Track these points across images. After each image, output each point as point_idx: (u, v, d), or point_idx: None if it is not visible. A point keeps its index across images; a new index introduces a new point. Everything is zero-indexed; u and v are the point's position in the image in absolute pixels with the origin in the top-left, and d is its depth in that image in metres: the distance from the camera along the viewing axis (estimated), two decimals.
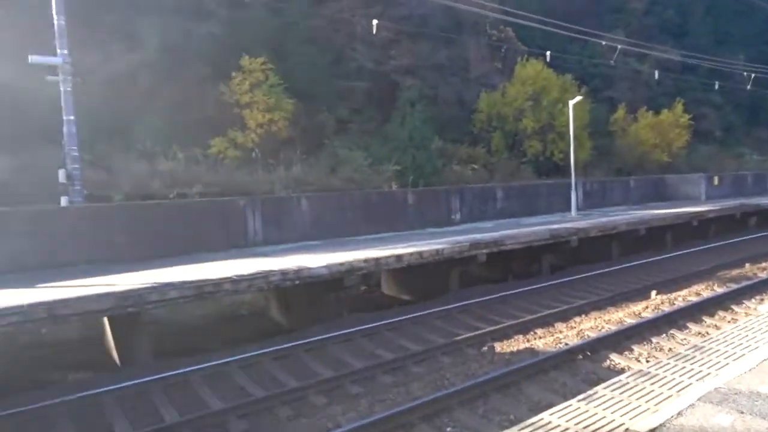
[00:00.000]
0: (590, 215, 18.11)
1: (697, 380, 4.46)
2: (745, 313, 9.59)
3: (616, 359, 7.56)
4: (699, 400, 4.02)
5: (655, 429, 3.66)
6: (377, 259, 10.39)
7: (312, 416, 6.32)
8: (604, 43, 24.53)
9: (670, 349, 7.88)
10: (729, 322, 9.14)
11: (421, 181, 18.80)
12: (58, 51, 12.06)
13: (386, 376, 7.46)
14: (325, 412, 6.39)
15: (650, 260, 14.99)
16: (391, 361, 7.88)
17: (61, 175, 11.93)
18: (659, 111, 29.54)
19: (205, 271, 9.22)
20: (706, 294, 10.84)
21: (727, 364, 4.77)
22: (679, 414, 3.83)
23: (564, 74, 25.39)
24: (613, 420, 3.87)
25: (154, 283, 8.23)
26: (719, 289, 11.17)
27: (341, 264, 9.82)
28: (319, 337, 8.94)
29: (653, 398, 4.19)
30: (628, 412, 3.97)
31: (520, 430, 3.78)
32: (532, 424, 3.88)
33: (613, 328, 8.89)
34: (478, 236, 12.95)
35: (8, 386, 7.55)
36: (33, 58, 11.73)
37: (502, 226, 15.37)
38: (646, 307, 10.12)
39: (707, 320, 9.24)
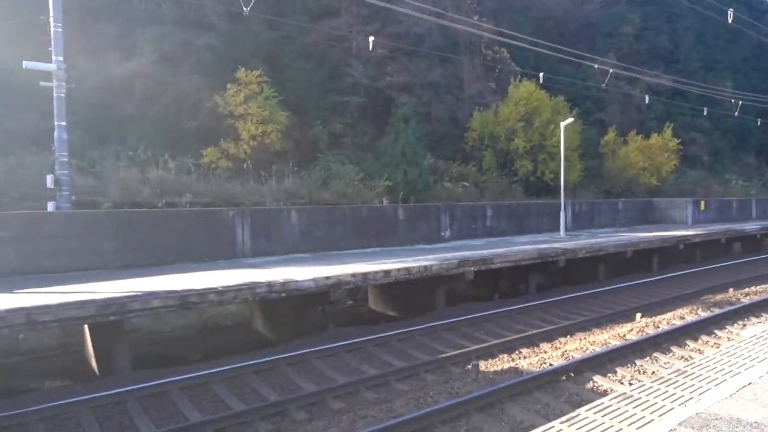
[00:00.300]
0: (579, 236, 18.22)
1: (679, 405, 4.45)
2: (728, 338, 9.64)
3: (599, 381, 7.54)
4: (680, 424, 4.01)
5: None
6: (365, 274, 10.35)
7: (292, 431, 6.23)
8: (596, 66, 24.91)
9: (653, 372, 7.88)
10: (712, 346, 9.17)
11: (412, 197, 18.85)
12: (53, 57, 12.05)
13: (369, 392, 7.39)
14: (305, 427, 6.31)
15: (636, 283, 15.06)
16: (374, 377, 7.81)
17: (49, 180, 11.83)
18: (649, 135, 29.95)
19: (191, 281, 9.14)
20: (690, 318, 10.89)
21: (709, 389, 4.77)
22: None
23: (556, 96, 25.72)
24: None
25: (138, 291, 8.14)
26: (703, 314, 11.23)
27: (328, 278, 9.77)
28: (303, 351, 8.86)
29: (635, 422, 4.18)
30: None
31: None
32: None
33: (598, 349, 8.88)
34: (466, 254, 12.96)
35: None
36: (27, 64, 11.70)
37: (491, 245, 15.41)
38: (631, 330, 10.14)
39: (690, 344, 9.26)
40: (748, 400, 4.46)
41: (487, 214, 18.33)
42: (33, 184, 12.98)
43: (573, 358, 8.45)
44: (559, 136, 19.26)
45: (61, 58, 12.11)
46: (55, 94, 12.12)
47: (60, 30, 12.10)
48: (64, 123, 12.17)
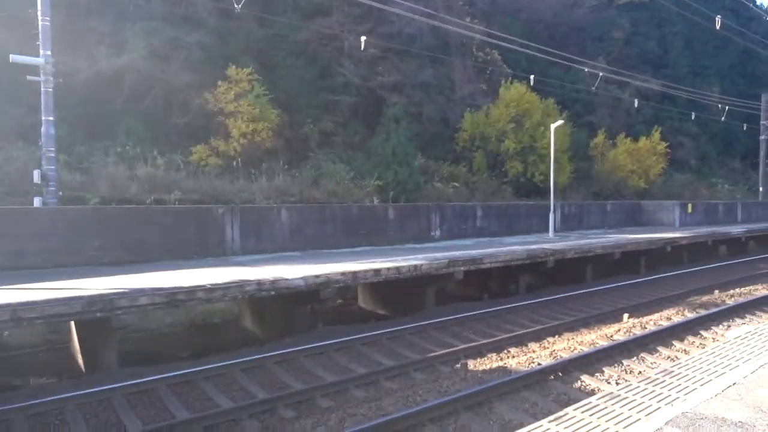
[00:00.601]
0: (567, 237, 18.35)
1: (665, 404, 4.50)
2: (713, 338, 9.76)
3: (587, 380, 7.60)
4: (667, 424, 4.05)
5: None
6: (355, 273, 10.34)
7: (280, 430, 6.21)
8: (586, 69, 25.10)
9: (640, 372, 7.96)
10: (698, 347, 9.28)
11: (402, 196, 18.88)
12: (41, 51, 11.92)
13: (358, 390, 7.38)
14: (293, 425, 6.28)
15: (624, 284, 15.20)
16: (363, 375, 7.81)
17: (36, 175, 11.70)
18: (637, 138, 30.27)
19: (179, 278, 9.07)
20: (677, 319, 11.01)
21: (695, 389, 4.83)
22: None
23: (546, 98, 25.91)
24: None
25: (125, 288, 8.06)
26: (689, 315, 11.36)
27: (318, 276, 9.75)
28: (292, 349, 8.83)
29: (622, 421, 4.21)
30: None
31: None
32: None
33: (586, 349, 8.95)
34: (456, 253, 13.00)
35: None
36: (14, 58, 11.55)
37: (481, 245, 15.47)
38: (618, 330, 10.24)
39: (677, 345, 9.37)
40: (732, 400, 4.51)
41: (477, 215, 18.40)
42: (19, 179, 12.83)
43: (561, 357, 8.51)
44: (549, 138, 19.39)
45: (48, 52, 11.99)
46: (42, 89, 11.99)
47: (48, 24, 11.97)
48: (51, 118, 12.05)
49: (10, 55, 11.51)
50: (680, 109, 34.34)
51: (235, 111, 18.35)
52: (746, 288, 14.74)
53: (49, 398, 6.78)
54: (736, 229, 23.13)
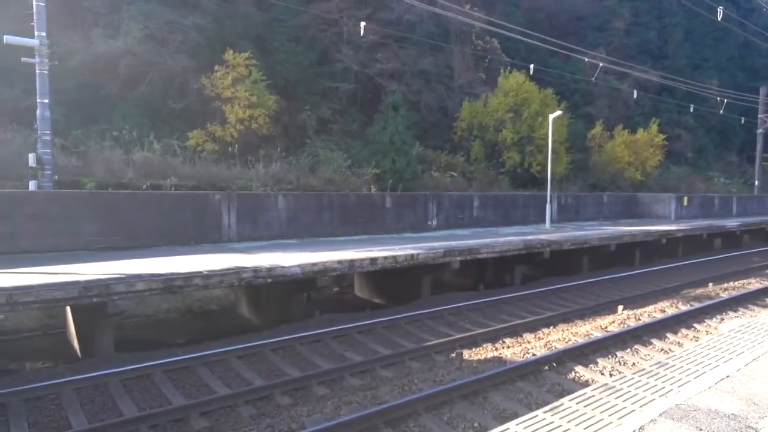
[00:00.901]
0: (564, 228, 18.40)
1: (659, 396, 4.54)
2: (707, 331, 9.84)
3: (581, 371, 7.66)
4: (661, 415, 4.09)
5: None
6: (351, 261, 10.34)
7: (276, 416, 6.24)
8: (587, 59, 24.98)
9: (633, 364, 8.03)
10: (691, 339, 9.36)
11: (399, 185, 18.84)
12: (36, 33, 11.75)
13: (354, 378, 7.42)
14: (289, 412, 6.31)
15: (619, 275, 15.28)
16: (359, 363, 7.85)
17: (31, 159, 11.60)
18: (635, 130, 30.24)
19: (176, 264, 9.05)
20: (671, 311, 11.09)
21: (689, 381, 4.87)
22: (641, 429, 3.89)
23: (545, 88, 25.80)
24: None
25: (121, 274, 8.04)
26: (683, 307, 11.44)
27: (315, 264, 9.75)
28: (288, 337, 8.86)
29: (617, 412, 4.25)
30: (591, 425, 4.02)
31: None
32: None
33: (580, 340, 9.01)
34: (453, 243, 13.02)
35: None
36: (8, 39, 11.38)
37: (477, 235, 15.49)
38: (613, 322, 10.30)
39: (670, 337, 9.44)
40: (726, 392, 4.56)
41: (474, 205, 18.41)
42: (14, 163, 12.73)
43: (556, 348, 8.57)
44: (547, 129, 19.35)
45: (44, 34, 11.82)
46: (37, 71, 11.85)
47: (42, 4, 11.80)
48: (46, 100, 11.92)
49: (5, 36, 11.34)
50: (678, 101, 34.30)
51: (232, 96, 18.21)
52: (740, 281, 14.84)
53: (45, 383, 6.80)
54: (731, 223, 23.24)
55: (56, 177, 12.21)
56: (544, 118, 22.73)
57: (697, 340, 9.14)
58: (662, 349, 8.79)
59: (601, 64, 24.52)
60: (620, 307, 11.37)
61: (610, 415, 4.18)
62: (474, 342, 9.04)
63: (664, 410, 4.18)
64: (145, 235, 11.41)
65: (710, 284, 14.18)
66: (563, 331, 9.83)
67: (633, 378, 4.99)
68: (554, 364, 7.80)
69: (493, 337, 9.33)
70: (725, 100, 30.86)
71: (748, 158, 43.47)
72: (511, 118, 23.48)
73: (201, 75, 18.62)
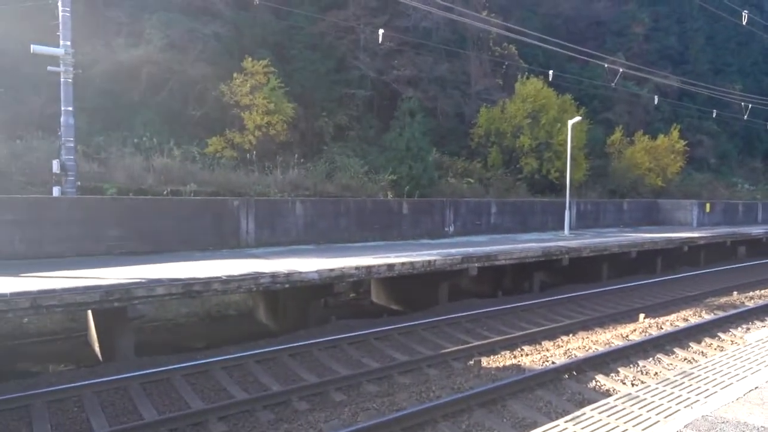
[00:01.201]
0: (583, 235, 18.17)
1: (684, 407, 4.43)
2: (732, 341, 9.61)
3: (602, 380, 7.52)
4: (686, 427, 3.99)
5: None
6: (369, 267, 10.33)
7: (293, 422, 6.23)
8: (606, 65, 24.73)
9: (656, 374, 7.87)
10: (715, 349, 9.14)
11: (416, 191, 18.80)
12: (61, 42, 12.02)
13: (371, 385, 7.39)
14: (307, 418, 6.31)
15: (640, 283, 15.02)
16: (376, 370, 7.81)
17: (55, 165, 11.84)
18: (655, 136, 29.79)
19: (195, 269, 9.14)
20: (694, 320, 10.86)
21: (715, 392, 4.75)
22: None
23: (563, 94, 25.58)
24: None
25: (142, 278, 8.14)
26: (707, 316, 11.19)
27: (332, 270, 9.76)
28: (305, 342, 8.86)
29: (641, 423, 4.16)
30: None
31: None
32: None
33: (601, 349, 8.87)
34: (470, 249, 12.94)
35: None
36: (35, 48, 11.66)
37: (495, 241, 15.38)
38: (634, 330, 10.12)
39: (694, 346, 9.24)
40: (755, 404, 4.43)
41: (491, 211, 18.29)
42: (39, 169, 13.00)
43: (575, 356, 8.43)
44: (566, 135, 19.18)
45: (68, 43, 12.08)
46: (62, 79, 12.10)
47: (68, 14, 12.06)
48: (70, 108, 12.16)
49: (32, 46, 11.62)
50: (700, 106, 33.72)
51: (250, 103, 18.39)
52: (767, 290, 14.48)
53: (67, 385, 6.89)
54: (757, 230, 22.73)
55: (79, 183, 12.44)
56: (562, 124, 22.53)
57: (722, 350, 8.93)
58: (686, 359, 8.60)
59: (620, 70, 24.25)
60: (641, 316, 11.17)
61: (634, 426, 4.10)
62: (492, 349, 8.96)
63: (689, 421, 4.08)
64: (165, 241, 11.55)
65: (735, 293, 13.86)
66: (583, 339, 9.69)
67: (657, 388, 4.88)
68: (574, 373, 7.68)
69: (512, 345, 9.23)
70: (749, 105, 30.26)
71: None
72: (528, 124, 23.31)
73: (220, 82, 18.85)
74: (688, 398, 4.63)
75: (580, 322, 10.70)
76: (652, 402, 4.56)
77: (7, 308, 6.86)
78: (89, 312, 9.37)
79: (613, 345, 9.08)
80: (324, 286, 9.85)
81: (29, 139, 14.34)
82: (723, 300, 13.11)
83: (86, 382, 6.99)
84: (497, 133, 23.68)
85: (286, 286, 9.25)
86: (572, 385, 7.34)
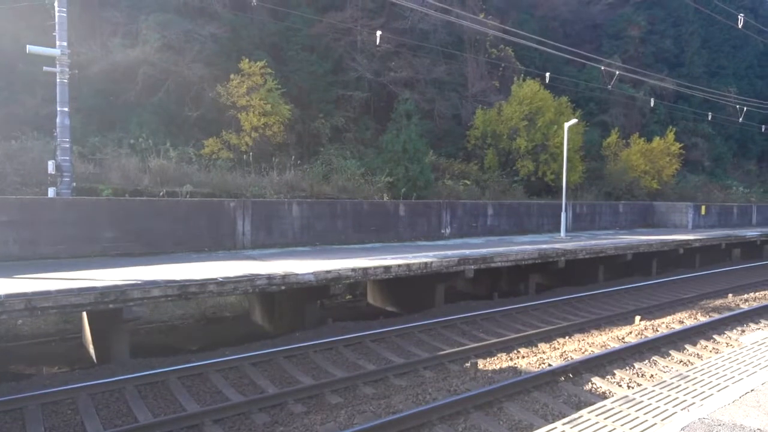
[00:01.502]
0: (579, 237, 18.21)
1: (681, 409, 4.43)
2: (727, 343, 9.64)
3: (598, 383, 7.53)
4: (683, 429, 3.99)
5: None
6: (365, 269, 10.32)
7: (289, 424, 6.21)
8: (602, 68, 24.82)
9: (652, 376, 7.88)
10: (711, 351, 9.17)
11: (413, 193, 18.81)
12: (57, 42, 11.96)
13: (367, 387, 7.37)
14: (302, 420, 6.28)
15: (636, 285, 15.05)
16: (372, 372, 7.80)
17: (51, 166, 11.77)
18: (651, 138, 29.91)
19: (191, 271, 9.10)
20: (689, 322, 10.88)
21: (711, 394, 4.76)
22: None
23: (560, 96, 25.66)
24: None
25: (137, 280, 8.10)
26: (702, 318, 11.22)
27: (329, 272, 9.74)
28: (301, 344, 8.83)
29: (637, 425, 4.16)
30: None
31: None
32: None
33: (597, 351, 8.87)
34: (467, 252, 12.94)
35: None
36: (31, 48, 11.60)
37: (491, 243, 15.39)
38: (630, 332, 10.13)
39: (689, 349, 9.26)
40: (751, 406, 4.44)
41: (488, 213, 18.31)
42: (34, 169, 12.94)
43: (572, 359, 8.44)
44: (562, 137, 19.23)
45: (65, 44, 12.03)
46: (58, 80, 12.05)
47: (64, 15, 12.01)
48: (66, 109, 12.11)
49: (28, 46, 11.56)
50: (695, 109, 33.89)
51: (247, 105, 18.37)
52: (761, 292, 14.54)
53: (61, 388, 6.84)
54: (751, 233, 22.83)
55: (74, 184, 12.38)
56: (558, 127, 22.60)
57: (718, 353, 8.97)
58: (682, 361, 8.62)
59: (617, 72, 24.34)
60: (637, 318, 11.19)
61: (631, 429, 4.10)
62: (488, 351, 8.95)
63: (686, 424, 4.08)
64: (161, 242, 11.50)
65: (730, 295, 13.91)
66: (579, 341, 9.70)
67: (653, 390, 4.88)
68: (570, 375, 7.68)
69: (508, 347, 9.22)
70: (744, 108, 30.42)
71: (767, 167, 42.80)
72: (525, 127, 23.37)
73: (217, 83, 18.82)
74: (685, 401, 4.63)
75: (576, 324, 10.71)
76: (649, 404, 4.56)
77: (1, 310, 6.80)
78: (84, 314, 9.32)
79: (609, 347, 9.09)
80: (320, 288, 9.82)
81: (24, 140, 14.27)
82: (718, 302, 13.15)
83: (81, 385, 6.94)
84: (494, 135, 23.72)
85: (282, 287, 9.22)
86: (568, 388, 7.34)
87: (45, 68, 12.04)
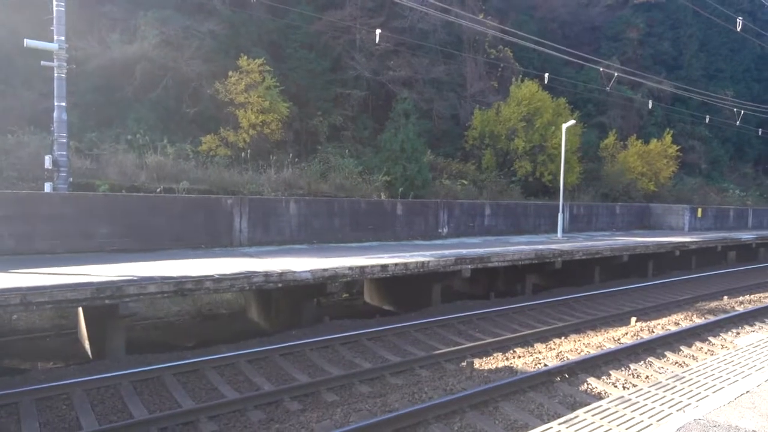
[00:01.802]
0: (575, 238, 18.25)
1: (677, 410, 4.44)
2: (722, 345, 9.67)
3: (593, 383, 7.54)
4: (678, 430, 4.00)
5: None
6: (362, 268, 10.31)
7: (285, 422, 6.20)
8: (600, 69, 24.87)
9: (647, 377, 7.90)
10: (706, 353, 9.20)
11: (410, 192, 18.81)
12: (55, 37, 11.90)
13: (363, 385, 7.37)
14: (298, 418, 6.27)
15: (632, 287, 15.10)
16: (369, 370, 7.79)
17: (47, 161, 11.73)
18: (648, 140, 30.00)
19: (187, 267, 9.08)
20: (685, 324, 10.91)
21: (707, 396, 4.77)
22: None
23: (558, 97, 25.69)
24: None
25: (134, 276, 8.08)
26: (698, 320, 11.26)
27: (325, 270, 9.73)
28: (298, 342, 8.83)
29: (633, 426, 4.17)
30: None
31: None
32: None
33: (593, 352, 8.89)
34: (464, 251, 12.95)
35: None
36: (29, 42, 11.55)
37: (488, 243, 15.41)
38: (626, 333, 10.16)
39: (685, 350, 9.28)
40: (746, 408, 4.46)
41: (485, 213, 18.32)
42: (31, 164, 12.89)
43: (568, 359, 8.45)
44: (560, 138, 19.26)
45: (62, 38, 11.97)
46: (55, 74, 11.99)
47: (62, 9, 11.95)
48: (63, 104, 12.05)
49: (25, 40, 11.50)
50: (692, 111, 34.00)
51: (245, 102, 18.33)
52: (756, 295, 14.59)
53: (56, 383, 6.82)
54: (747, 235, 22.92)
55: (71, 179, 12.33)
56: (556, 128, 22.63)
57: (713, 354, 9.00)
58: (677, 363, 8.64)
59: (615, 74, 24.39)
60: (633, 319, 11.22)
61: (627, 429, 4.10)
62: (485, 351, 8.96)
63: (682, 425, 4.09)
64: (157, 239, 11.46)
65: (725, 297, 13.96)
66: (575, 341, 9.72)
67: (649, 391, 4.89)
68: (566, 375, 7.69)
69: (504, 347, 9.23)
70: (741, 111, 30.53)
71: (764, 170, 42.98)
72: (523, 127, 23.40)
73: (215, 80, 18.77)
74: (680, 402, 4.64)
75: (572, 324, 10.74)
76: (645, 405, 4.57)
77: None
78: (80, 309, 9.29)
79: (605, 348, 9.11)
80: (317, 286, 9.81)
81: (21, 134, 14.21)
82: (714, 304, 13.19)
83: (76, 380, 6.92)
84: (492, 136, 23.74)
85: (279, 285, 9.21)
86: (564, 388, 7.35)
87: (43, 62, 11.99)
